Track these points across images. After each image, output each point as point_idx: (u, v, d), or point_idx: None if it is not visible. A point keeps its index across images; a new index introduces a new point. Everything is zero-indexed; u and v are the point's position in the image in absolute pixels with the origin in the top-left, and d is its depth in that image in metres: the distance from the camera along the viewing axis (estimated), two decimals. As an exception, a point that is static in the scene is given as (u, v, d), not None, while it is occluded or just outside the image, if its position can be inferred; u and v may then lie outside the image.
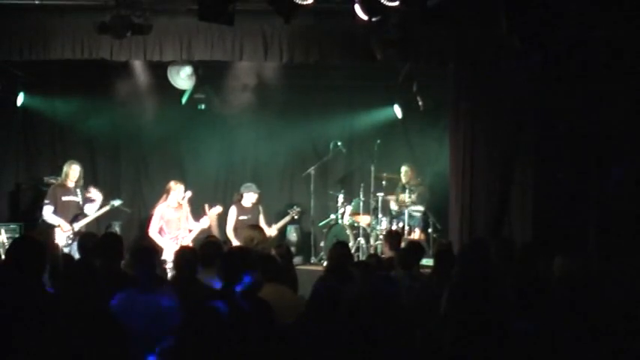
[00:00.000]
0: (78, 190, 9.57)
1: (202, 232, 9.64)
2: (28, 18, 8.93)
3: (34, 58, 9.25)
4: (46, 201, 9.43)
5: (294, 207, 10.40)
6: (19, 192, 11.19)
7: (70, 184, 9.54)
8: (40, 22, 8.99)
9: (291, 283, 6.20)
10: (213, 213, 9.86)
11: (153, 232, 9.58)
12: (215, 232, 9.93)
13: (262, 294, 5.15)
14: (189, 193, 10.00)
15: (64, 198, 9.45)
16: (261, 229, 7.64)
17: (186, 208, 9.81)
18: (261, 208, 10.26)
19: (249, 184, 10.35)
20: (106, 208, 9.57)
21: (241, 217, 10.17)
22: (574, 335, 4.07)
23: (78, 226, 9.33)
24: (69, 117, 11.34)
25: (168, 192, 9.69)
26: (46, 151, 11.57)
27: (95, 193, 9.52)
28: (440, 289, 5.15)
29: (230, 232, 10.14)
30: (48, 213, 9.35)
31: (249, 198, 10.20)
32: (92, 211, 9.51)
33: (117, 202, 9.71)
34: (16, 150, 11.48)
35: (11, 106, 10.89)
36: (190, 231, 9.61)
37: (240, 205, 10.24)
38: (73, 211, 9.42)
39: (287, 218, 10.29)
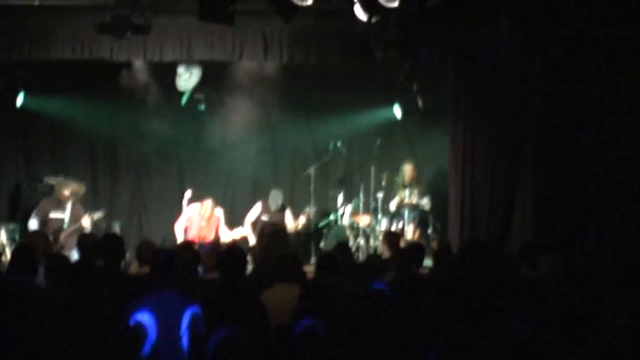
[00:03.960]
0: (68, 205, 9.56)
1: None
2: (28, 18, 8.93)
3: (34, 58, 9.26)
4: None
5: (310, 206, 10.36)
6: (19, 192, 11.18)
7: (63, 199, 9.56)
8: (40, 22, 9.00)
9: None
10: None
11: (177, 226, 9.84)
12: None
13: (271, 294, 5.16)
14: (188, 193, 10.02)
15: (52, 215, 9.51)
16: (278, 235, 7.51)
17: (219, 220, 9.94)
18: (288, 212, 10.27)
19: (276, 192, 10.34)
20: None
21: (263, 217, 10.21)
22: (573, 335, 4.08)
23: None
24: (69, 117, 11.32)
25: (202, 200, 9.94)
26: (46, 151, 11.56)
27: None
28: (438, 289, 5.15)
29: (248, 227, 10.15)
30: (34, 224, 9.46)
31: (272, 204, 10.26)
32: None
33: (97, 215, 9.61)
34: (16, 150, 11.46)
35: (11, 106, 10.87)
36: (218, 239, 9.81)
37: (266, 204, 10.29)
38: (55, 226, 9.44)
39: (302, 219, 10.26)
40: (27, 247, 5.45)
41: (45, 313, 4.43)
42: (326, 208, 11.21)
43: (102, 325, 4.28)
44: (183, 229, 9.86)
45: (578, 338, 4.05)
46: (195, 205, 9.96)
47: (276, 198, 10.27)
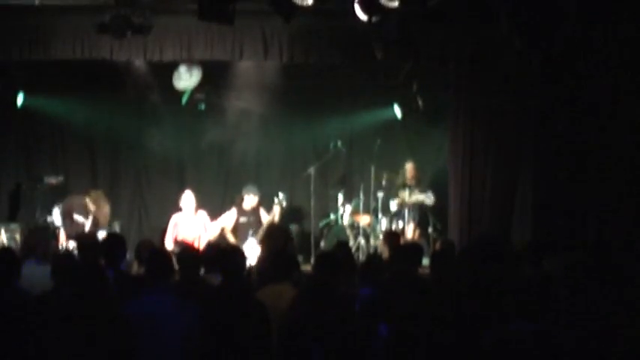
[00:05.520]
0: (90, 217, 9.70)
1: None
2: (28, 18, 8.94)
3: (34, 58, 9.27)
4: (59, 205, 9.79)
5: (279, 195, 10.09)
6: (19, 192, 11.20)
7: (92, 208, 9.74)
8: (40, 22, 9.01)
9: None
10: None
11: (168, 242, 9.68)
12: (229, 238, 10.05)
13: (264, 293, 5.16)
14: (188, 193, 10.02)
15: (76, 216, 9.69)
16: (282, 234, 7.51)
17: (203, 218, 9.88)
18: (263, 211, 10.21)
19: (250, 185, 10.26)
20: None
21: (241, 220, 10.14)
22: (574, 335, 4.08)
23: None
24: (69, 117, 11.33)
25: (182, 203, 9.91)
26: (46, 152, 11.57)
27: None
28: (438, 288, 5.15)
29: (229, 234, 10.15)
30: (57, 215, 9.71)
31: (249, 201, 10.15)
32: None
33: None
34: (16, 150, 11.47)
35: (11, 106, 10.88)
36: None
37: (241, 207, 10.21)
38: (77, 230, 9.52)
39: (277, 209, 10.06)
40: (6, 250, 5.42)
41: (30, 316, 4.44)
42: (326, 208, 11.21)
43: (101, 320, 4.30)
44: (172, 241, 9.76)
45: (580, 339, 4.05)
46: (176, 214, 9.94)
47: (249, 191, 10.16)
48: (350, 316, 4.49)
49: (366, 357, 4.15)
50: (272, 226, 7.62)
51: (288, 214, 10.51)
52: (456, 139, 9.61)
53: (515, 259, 6.20)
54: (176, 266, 6.27)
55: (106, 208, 9.86)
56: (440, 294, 4.89)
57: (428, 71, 9.95)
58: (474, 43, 9.05)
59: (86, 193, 9.93)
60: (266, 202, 10.31)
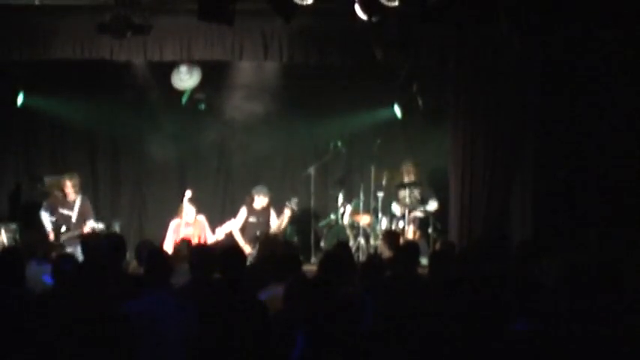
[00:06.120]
0: (77, 202, 9.74)
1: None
2: (28, 18, 8.94)
3: (34, 58, 9.27)
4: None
5: (291, 199, 10.18)
6: (19, 192, 11.19)
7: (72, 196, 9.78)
8: (40, 22, 9.01)
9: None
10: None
11: (168, 248, 9.62)
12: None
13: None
14: (189, 193, 10.01)
15: (61, 210, 9.78)
16: (279, 242, 7.53)
17: (203, 224, 9.85)
18: (273, 212, 10.21)
19: (260, 186, 10.30)
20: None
21: (251, 219, 10.16)
22: (574, 335, 4.08)
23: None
24: (69, 117, 11.32)
25: (181, 209, 9.90)
26: (46, 151, 11.55)
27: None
28: (437, 288, 5.16)
29: (237, 232, 10.15)
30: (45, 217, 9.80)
31: (260, 201, 10.18)
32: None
33: (99, 227, 9.70)
34: (16, 150, 11.45)
35: (11, 106, 10.87)
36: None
37: (251, 207, 10.22)
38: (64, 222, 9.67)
39: (287, 212, 10.13)
40: (11, 251, 5.42)
41: (33, 319, 4.44)
42: (326, 208, 11.21)
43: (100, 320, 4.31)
44: (172, 246, 9.72)
45: (580, 339, 4.05)
46: (174, 220, 9.94)
47: (259, 192, 10.19)
48: (342, 309, 4.49)
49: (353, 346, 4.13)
50: (268, 237, 7.65)
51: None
52: (456, 139, 9.61)
53: (515, 259, 6.21)
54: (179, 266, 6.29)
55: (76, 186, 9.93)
56: (439, 294, 4.89)
57: (428, 71, 9.94)
58: (474, 43, 9.05)
59: (58, 185, 10.03)
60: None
